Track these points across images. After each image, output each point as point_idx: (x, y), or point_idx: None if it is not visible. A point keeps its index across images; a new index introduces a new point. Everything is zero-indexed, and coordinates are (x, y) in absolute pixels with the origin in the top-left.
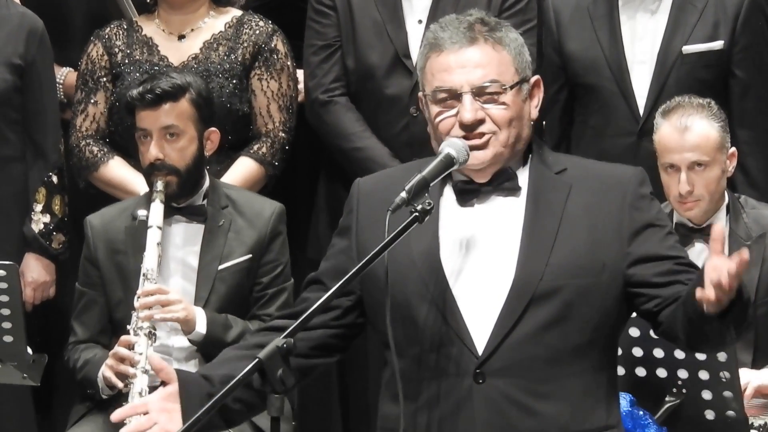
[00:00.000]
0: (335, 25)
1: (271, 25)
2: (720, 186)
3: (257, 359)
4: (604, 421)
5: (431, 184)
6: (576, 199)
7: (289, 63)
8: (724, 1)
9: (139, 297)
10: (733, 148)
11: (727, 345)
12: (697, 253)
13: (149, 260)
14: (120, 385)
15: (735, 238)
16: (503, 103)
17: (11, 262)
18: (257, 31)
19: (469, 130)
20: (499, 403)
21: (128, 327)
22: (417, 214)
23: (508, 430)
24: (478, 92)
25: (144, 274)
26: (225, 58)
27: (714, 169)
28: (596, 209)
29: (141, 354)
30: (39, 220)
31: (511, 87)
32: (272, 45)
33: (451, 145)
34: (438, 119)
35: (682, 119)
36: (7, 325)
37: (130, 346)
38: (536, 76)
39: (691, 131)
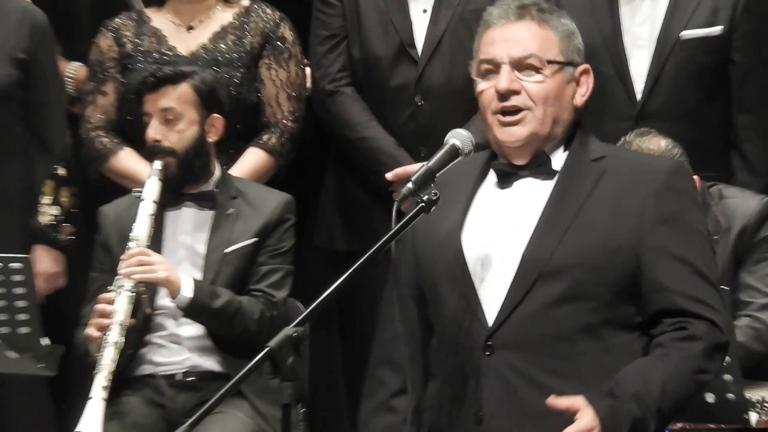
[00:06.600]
0: (341, 15)
1: (278, 13)
2: None
3: (268, 347)
4: None
5: (437, 174)
6: (606, 185)
7: (296, 51)
8: None
9: (123, 259)
10: None
11: None
12: None
13: (138, 229)
14: (96, 334)
15: None
16: (541, 78)
17: (26, 255)
18: (265, 19)
19: (504, 99)
20: (508, 375)
21: (108, 288)
22: (423, 204)
23: (515, 403)
24: (517, 64)
25: (131, 241)
26: (233, 47)
27: None
28: (623, 195)
29: (118, 310)
30: (46, 213)
31: (550, 62)
32: (279, 33)
33: (456, 136)
34: (480, 91)
35: None
36: (23, 316)
37: (110, 302)
38: (586, 65)
39: None
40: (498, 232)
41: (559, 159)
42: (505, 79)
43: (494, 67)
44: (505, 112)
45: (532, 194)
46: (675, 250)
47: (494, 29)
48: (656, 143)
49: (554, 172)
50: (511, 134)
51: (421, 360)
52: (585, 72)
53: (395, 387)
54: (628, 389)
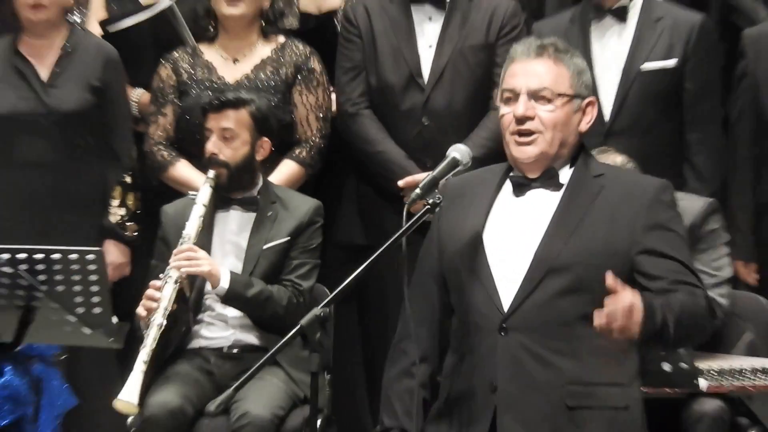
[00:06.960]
0: (361, 50)
1: (308, 48)
2: None
3: (300, 325)
4: (612, 378)
5: (440, 182)
6: (605, 198)
7: (324, 79)
8: (679, 26)
9: (174, 254)
10: None
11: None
12: None
13: (189, 228)
14: (144, 314)
15: None
16: (552, 108)
17: (99, 248)
18: (297, 53)
19: (520, 123)
20: (518, 353)
21: (160, 276)
22: (428, 206)
23: (524, 377)
24: (533, 95)
25: (182, 238)
26: (271, 76)
27: None
28: (619, 207)
29: (164, 296)
30: (116, 213)
31: (560, 95)
32: (310, 64)
33: (457, 150)
34: (501, 114)
35: None
36: (96, 299)
37: (158, 288)
38: (592, 97)
39: None
40: (513, 233)
41: (565, 174)
42: (521, 106)
43: (514, 96)
44: (520, 133)
45: (543, 203)
46: (663, 250)
47: (516, 63)
48: (613, 159)
49: (561, 185)
50: (524, 152)
51: (438, 336)
52: (591, 103)
53: (415, 357)
54: (656, 299)
